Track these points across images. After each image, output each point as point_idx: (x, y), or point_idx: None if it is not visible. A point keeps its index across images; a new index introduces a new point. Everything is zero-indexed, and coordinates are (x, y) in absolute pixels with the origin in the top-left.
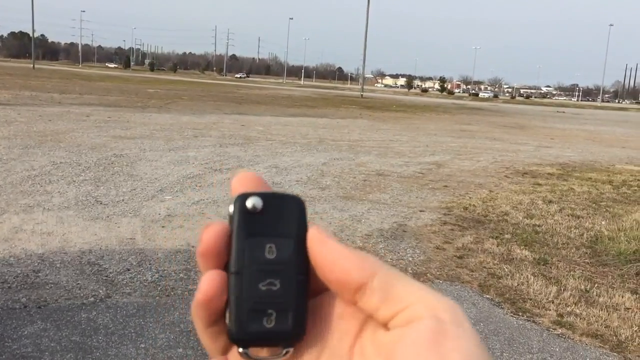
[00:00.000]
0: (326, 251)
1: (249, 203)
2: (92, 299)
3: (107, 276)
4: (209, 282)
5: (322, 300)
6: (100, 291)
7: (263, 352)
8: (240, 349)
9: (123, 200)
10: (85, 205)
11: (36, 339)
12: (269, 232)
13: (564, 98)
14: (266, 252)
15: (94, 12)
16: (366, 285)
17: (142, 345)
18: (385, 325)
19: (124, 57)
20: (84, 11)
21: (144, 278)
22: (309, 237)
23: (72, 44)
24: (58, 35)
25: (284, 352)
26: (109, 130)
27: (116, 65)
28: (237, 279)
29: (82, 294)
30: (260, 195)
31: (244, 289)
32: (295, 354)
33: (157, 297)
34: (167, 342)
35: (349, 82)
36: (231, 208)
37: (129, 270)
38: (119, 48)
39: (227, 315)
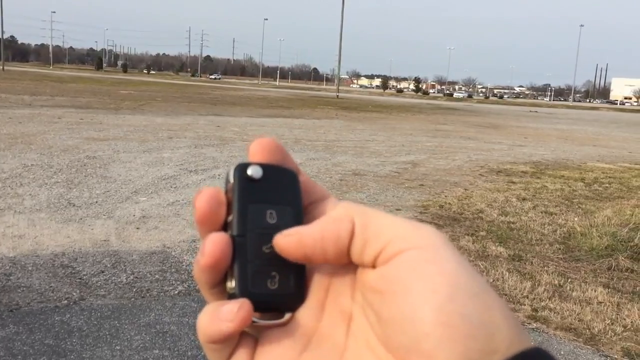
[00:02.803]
0: (310, 233)
1: (250, 171)
2: (65, 301)
3: (80, 278)
4: (214, 245)
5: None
6: (74, 294)
7: (260, 315)
8: None
9: (97, 202)
10: (57, 208)
11: (8, 342)
12: (269, 200)
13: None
14: (267, 217)
15: (65, 13)
16: (353, 235)
17: (117, 347)
18: (372, 267)
19: (96, 59)
20: (54, 12)
21: (119, 280)
22: (282, 243)
23: (42, 45)
24: (28, 37)
25: (285, 316)
26: (82, 132)
27: (153, 72)
28: (241, 241)
29: (55, 297)
30: (260, 165)
31: (248, 251)
32: (296, 318)
33: (132, 299)
34: (142, 343)
35: (324, 82)
36: (231, 175)
37: (103, 272)
38: (91, 49)
39: (229, 277)
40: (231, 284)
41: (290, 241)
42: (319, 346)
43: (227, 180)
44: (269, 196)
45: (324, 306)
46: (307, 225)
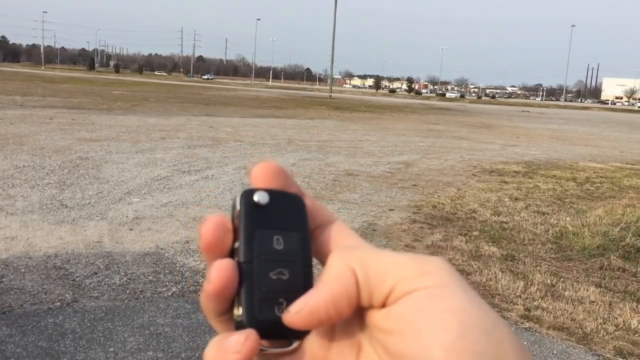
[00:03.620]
0: (319, 301)
1: (256, 197)
2: (58, 303)
3: (73, 280)
4: (220, 271)
5: None
6: (67, 295)
7: (268, 343)
8: None
9: (89, 203)
10: (50, 209)
11: (1, 345)
12: (276, 225)
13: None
14: (274, 243)
15: (57, 13)
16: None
17: (111, 349)
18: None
19: (88, 59)
20: (45, 12)
21: (112, 281)
22: (294, 322)
23: (34, 45)
24: (19, 37)
25: (293, 344)
26: (74, 133)
27: (163, 74)
28: (248, 267)
29: (48, 299)
30: (266, 190)
31: (255, 277)
32: (305, 346)
33: (126, 301)
34: (136, 345)
35: (317, 83)
36: (237, 202)
37: (96, 273)
38: (83, 49)
39: (236, 304)
40: (238, 311)
41: (302, 317)
42: None
43: (234, 207)
44: (276, 222)
45: (332, 335)
46: (312, 292)
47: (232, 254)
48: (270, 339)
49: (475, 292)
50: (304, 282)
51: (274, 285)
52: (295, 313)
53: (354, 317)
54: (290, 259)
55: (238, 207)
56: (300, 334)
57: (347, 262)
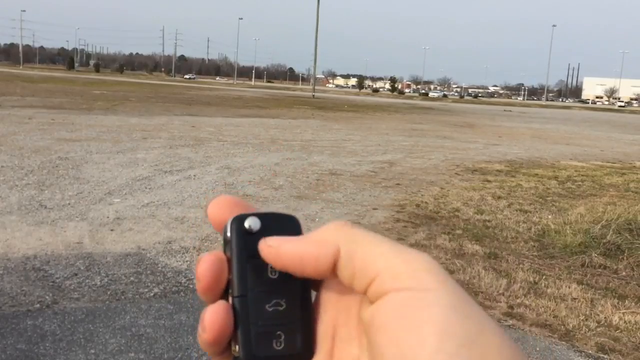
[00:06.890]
0: (289, 250)
1: (247, 224)
2: (38, 305)
3: (53, 282)
4: (213, 319)
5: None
6: (47, 297)
7: None
8: None
9: (69, 204)
10: (28, 210)
11: None
12: None
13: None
14: (268, 272)
15: (35, 12)
16: (338, 261)
17: (92, 351)
18: (364, 294)
19: (67, 58)
20: (24, 10)
21: (93, 282)
22: (263, 252)
23: (12, 44)
24: None
25: None
26: (53, 133)
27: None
28: (242, 302)
29: (27, 301)
30: (257, 215)
31: (250, 312)
32: None
33: (107, 302)
34: (118, 347)
35: (300, 82)
36: (228, 232)
37: (76, 275)
38: (62, 49)
39: (233, 342)
40: (236, 349)
41: (270, 252)
42: None
43: (225, 236)
44: None
45: (332, 356)
46: (292, 238)
47: (227, 286)
48: None
49: (464, 293)
50: (301, 311)
51: (271, 319)
52: (268, 246)
53: (353, 336)
54: (286, 287)
55: (229, 234)
56: None
57: (337, 235)
